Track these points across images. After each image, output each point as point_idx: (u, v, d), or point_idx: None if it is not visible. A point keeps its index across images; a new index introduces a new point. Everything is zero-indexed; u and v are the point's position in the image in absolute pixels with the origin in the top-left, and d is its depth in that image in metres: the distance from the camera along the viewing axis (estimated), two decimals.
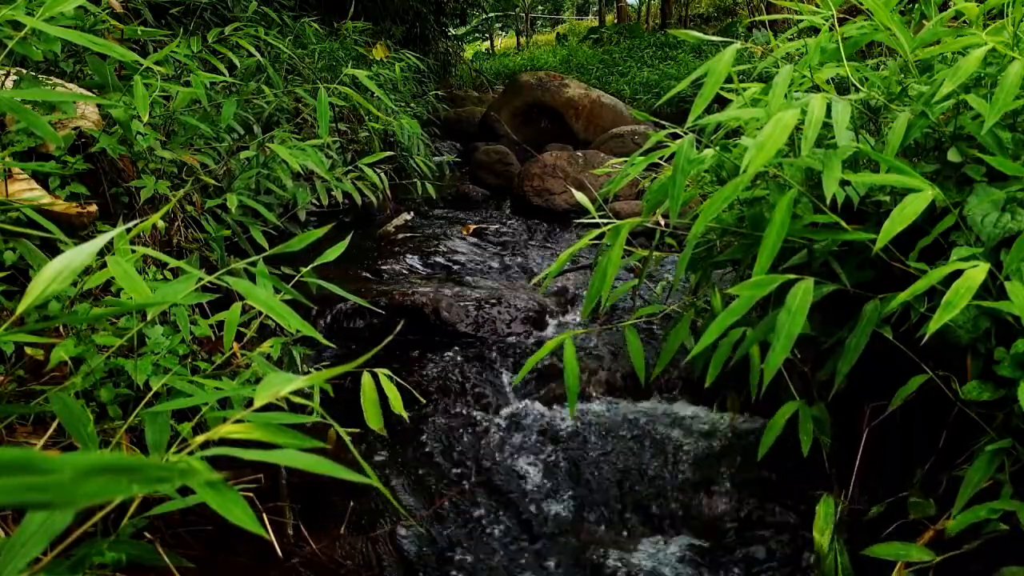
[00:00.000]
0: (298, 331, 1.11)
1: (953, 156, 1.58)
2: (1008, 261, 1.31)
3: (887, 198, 1.61)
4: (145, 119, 1.96)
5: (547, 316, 3.13)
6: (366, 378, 1.26)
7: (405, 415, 1.35)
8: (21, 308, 0.66)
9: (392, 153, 3.18)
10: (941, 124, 1.64)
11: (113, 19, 2.32)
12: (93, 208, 1.83)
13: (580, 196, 1.86)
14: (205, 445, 0.66)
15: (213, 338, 1.88)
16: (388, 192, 3.50)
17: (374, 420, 1.24)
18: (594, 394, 2.52)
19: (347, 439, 1.00)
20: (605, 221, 1.69)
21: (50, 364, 1.34)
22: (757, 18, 7.10)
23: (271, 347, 1.73)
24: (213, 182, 2.49)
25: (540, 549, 1.88)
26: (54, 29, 1.31)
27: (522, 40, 25.63)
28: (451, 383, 2.60)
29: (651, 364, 1.91)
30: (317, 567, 1.74)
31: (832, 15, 1.68)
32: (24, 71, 1.85)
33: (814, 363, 1.82)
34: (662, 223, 1.92)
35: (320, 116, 2.40)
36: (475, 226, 4.82)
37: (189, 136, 2.51)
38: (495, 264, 4.04)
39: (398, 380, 1.35)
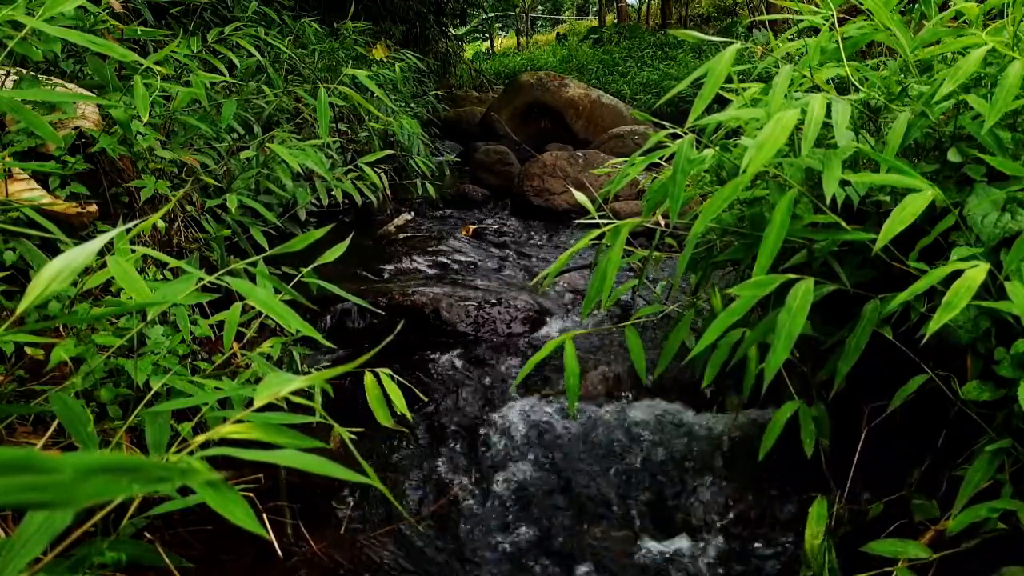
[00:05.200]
0: (298, 331, 1.11)
1: (953, 156, 1.58)
2: (1008, 261, 1.31)
3: (887, 198, 1.61)
4: (145, 119, 1.96)
5: (547, 316, 3.13)
6: (370, 378, 1.26)
7: (408, 414, 1.35)
8: (21, 308, 0.66)
9: (392, 152, 3.18)
10: (941, 124, 1.64)
11: (113, 19, 2.32)
12: (93, 208, 1.83)
13: (580, 196, 1.86)
14: (205, 445, 0.66)
15: (213, 338, 1.88)
16: (388, 192, 3.50)
17: (384, 418, 1.25)
18: (595, 394, 2.52)
19: (347, 439, 1.00)
20: (605, 221, 1.69)
21: (50, 364, 1.34)
22: (757, 18, 7.11)
23: (271, 347, 1.73)
24: (213, 182, 2.49)
25: (540, 548, 1.88)
26: (54, 29, 1.30)
27: (522, 40, 25.64)
28: (451, 383, 2.60)
29: (652, 364, 1.91)
30: (317, 567, 1.74)
31: (832, 15, 1.68)
32: (24, 71, 1.85)
33: (814, 363, 1.82)
34: (662, 223, 1.92)
35: (320, 116, 2.40)
36: (475, 226, 4.82)
37: (189, 136, 2.51)
38: (495, 264, 4.04)
39: (400, 379, 1.35)
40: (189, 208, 2.41)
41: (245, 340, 1.75)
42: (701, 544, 1.87)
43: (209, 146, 2.68)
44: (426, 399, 2.47)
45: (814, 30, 1.81)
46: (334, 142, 3.53)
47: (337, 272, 3.56)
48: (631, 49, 13.75)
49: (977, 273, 1.19)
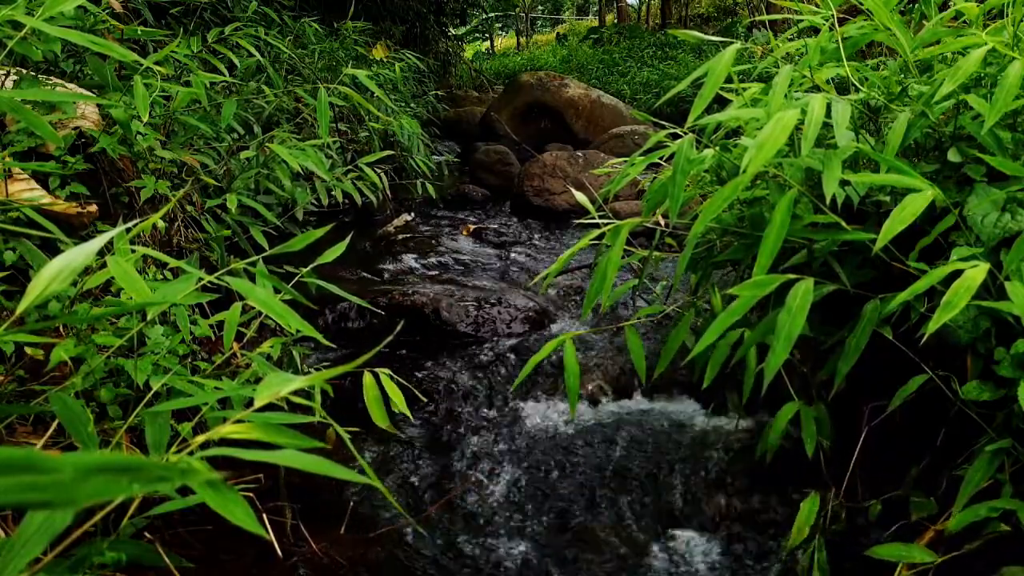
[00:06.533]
0: (298, 331, 1.11)
1: (953, 156, 1.58)
2: (1008, 261, 1.31)
3: (887, 198, 1.61)
4: (145, 119, 1.96)
5: (547, 316, 3.13)
6: (368, 378, 1.26)
7: (408, 413, 1.35)
8: (21, 308, 0.66)
9: (392, 153, 3.18)
10: (941, 124, 1.64)
11: (113, 19, 2.32)
12: (93, 208, 1.83)
13: (580, 196, 1.86)
14: (205, 445, 0.66)
15: (213, 338, 1.88)
16: (388, 192, 3.50)
17: (380, 418, 1.24)
18: (595, 394, 2.52)
19: (347, 439, 1.00)
20: (605, 221, 1.69)
21: (50, 364, 1.34)
22: (757, 18, 7.11)
23: (271, 347, 1.73)
24: (213, 182, 2.49)
25: (540, 548, 1.88)
26: (54, 29, 1.30)
27: (522, 40, 25.64)
28: (451, 383, 2.60)
29: (652, 364, 1.91)
30: (317, 567, 1.74)
31: (832, 15, 1.68)
32: (24, 71, 1.85)
33: (814, 363, 1.82)
34: (662, 223, 1.92)
35: (320, 116, 2.40)
36: (475, 226, 4.82)
37: (189, 136, 2.51)
38: (495, 264, 4.04)
39: (399, 380, 1.35)
40: (189, 208, 2.41)
41: (245, 340, 1.75)
42: (702, 543, 1.87)
43: (209, 146, 2.68)
44: (426, 399, 2.47)
45: (814, 30, 1.80)
46: (334, 142, 3.53)
47: (337, 272, 3.56)
48: (631, 49, 13.74)
49: (977, 273, 1.19)
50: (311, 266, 1.43)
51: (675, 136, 1.71)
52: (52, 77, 2.05)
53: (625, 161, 2.11)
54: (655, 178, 2.10)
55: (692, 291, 2.15)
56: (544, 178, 5.21)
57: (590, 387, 2.54)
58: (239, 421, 0.69)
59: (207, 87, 2.51)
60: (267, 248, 1.67)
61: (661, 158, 1.91)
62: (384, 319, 2.98)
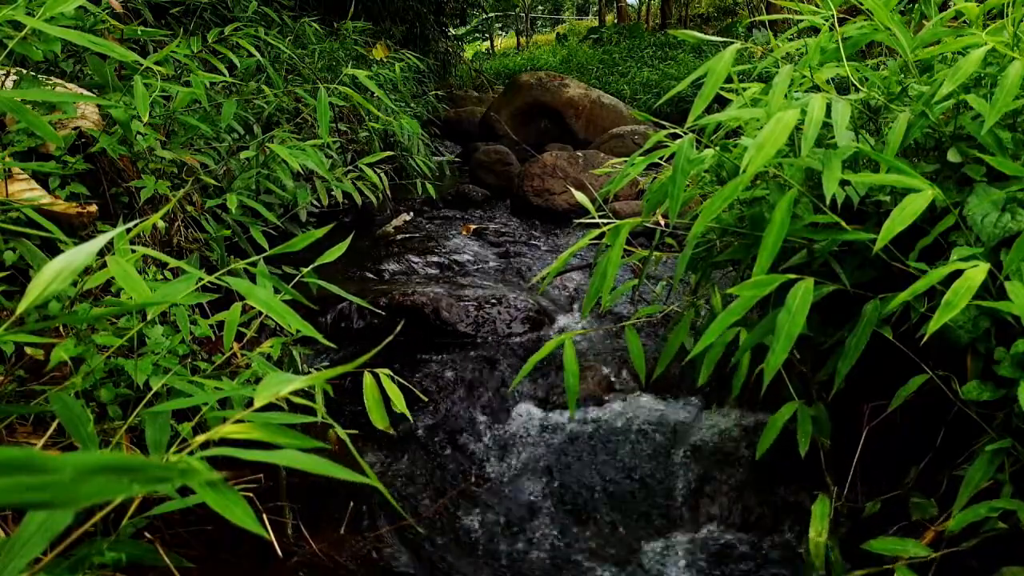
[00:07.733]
0: (298, 331, 1.11)
1: (953, 156, 1.58)
2: (1008, 261, 1.31)
3: (887, 198, 1.61)
4: (145, 119, 1.96)
5: (547, 316, 3.13)
6: (368, 378, 1.26)
7: (408, 414, 1.35)
8: (21, 308, 0.66)
9: (392, 153, 3.18)
10: (941, 124, 1.64)
11: (113, 19, 2.32)
12: (93, 208, 1.83)
13: (580, 196, 1.86)
14: (205, 445, 0.66)
15: (213, 338, 1.88)
16: (388, 192, 3.50)
17: (379, 420, 1.24)
18: (595, 394, 2.52)
19: (347, 439, 1.00)
20: (605, 221, 1.69)
21: (50, 364, 1.34)
22: (757, 18, 7.12)
23: (271, 347, 1.73)
24: (213, 182, 2.49)
25: (540, 549, 1.88)
26: (54, 29, 1.30)
27: (522, 40, 25.65)
28: (451, 383, 2.60)
29: (652, 364, 1.91)
30: (317, 568, 1.74)
31: (832, 15, 1.68)
32: (24, 71, 1.85)
33: (813, 363, 1.82)
34: (662, 223, 1.92)
35: (320, 116, 2.40)
36: (475, 226, 4.82)
37: (189, 136, 2.51)
38: (495, 264, 4.04)
39: (399, 380, 1.35)
40: (189, 208, 2.41)
41: (245, 340, 1.75)
42: (702, 542, 1.87)
43: (209, 146, 2.68)
44: (426, 399, 2.47)
45: (814, 30, 1.81)
46: (334, 142, 3.53)
47: (337, 272, 3.56)
48: (631, 49, 13.75)
49: (977, 273, 1.19)
50: (312, 266, 1.43)
51: (675, 136, 1.71)
52: (52, 77, 2.05)
53: (625, 161, 2.11)
54: (655, 178, 2.10)
55: (692, 291, 2.15)
56: (544, 178, 5.21)
57: (590, 387, 2.54)
58: (239, 421, 0.69)
59: (207, 87, 2.51)
60: (267, 248, 1.67)
61: (661, 158, 1.91)
62: (384, 319, 2.98)
